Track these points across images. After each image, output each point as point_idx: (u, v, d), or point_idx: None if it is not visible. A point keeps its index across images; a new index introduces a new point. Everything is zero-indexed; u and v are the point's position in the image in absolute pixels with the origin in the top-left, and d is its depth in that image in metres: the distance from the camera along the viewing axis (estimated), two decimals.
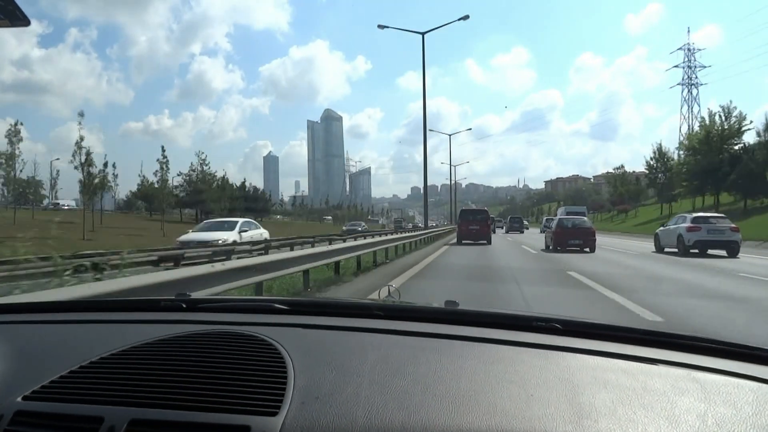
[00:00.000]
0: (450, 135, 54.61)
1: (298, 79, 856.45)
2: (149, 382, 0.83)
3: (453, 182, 63.63)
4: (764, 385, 0.84)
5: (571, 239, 17.12)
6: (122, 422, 0.74)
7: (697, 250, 15.37)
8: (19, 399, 0.82)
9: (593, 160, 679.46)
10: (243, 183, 76.73)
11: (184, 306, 1.25)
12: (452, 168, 57.68)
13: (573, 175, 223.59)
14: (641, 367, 0.89)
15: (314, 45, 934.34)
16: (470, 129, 72.71)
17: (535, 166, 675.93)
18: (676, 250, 15.94)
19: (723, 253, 15.27)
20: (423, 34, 27.58)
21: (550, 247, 17.91)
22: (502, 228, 48.18)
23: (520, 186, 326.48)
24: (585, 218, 20.44)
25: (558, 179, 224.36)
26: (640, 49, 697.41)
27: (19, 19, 1.25)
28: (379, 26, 27.92)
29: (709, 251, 15.43)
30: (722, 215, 17.72)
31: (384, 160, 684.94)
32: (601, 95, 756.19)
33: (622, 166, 76.09)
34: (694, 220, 15.85)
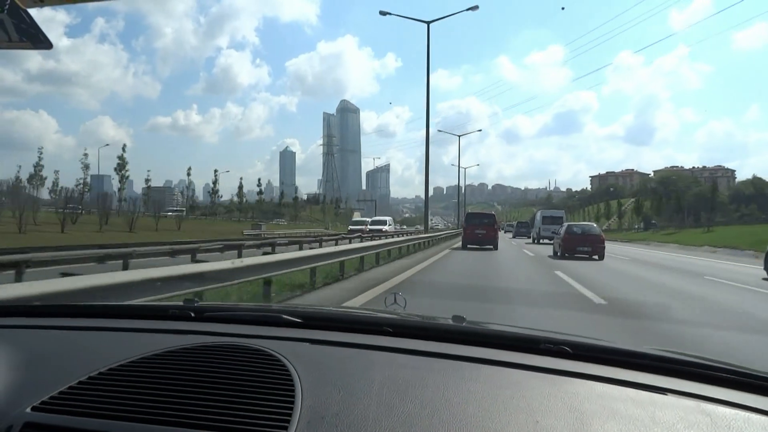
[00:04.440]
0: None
1: (325, 75, 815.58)
2: (157, 397, 0.86)
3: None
4: None
5: (580, 246, 18.17)
6: None
7: None
8: (28, 410, 0.85)
9: (626, 164, 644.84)
10: None
11: (193, 315, 1.32)
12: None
13: (627, 170, 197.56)
14: (651, 396, 0.90)
15: (343, 40, 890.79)
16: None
17: (565, 169, 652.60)
18: None
19: None
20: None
21: (558, 254, 18.84)
22: (511, 232, 50.23)
23: (551, 188, 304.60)
24: (594, 225, 20.94)
25: (609, 174, 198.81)
26: (682, 49, 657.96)
27: (41, 42, 1.37)
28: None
29: None
30: None
31: (411, 162, 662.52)
32: (638, 97, 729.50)
33: None
34: None
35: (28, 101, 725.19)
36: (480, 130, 72.56)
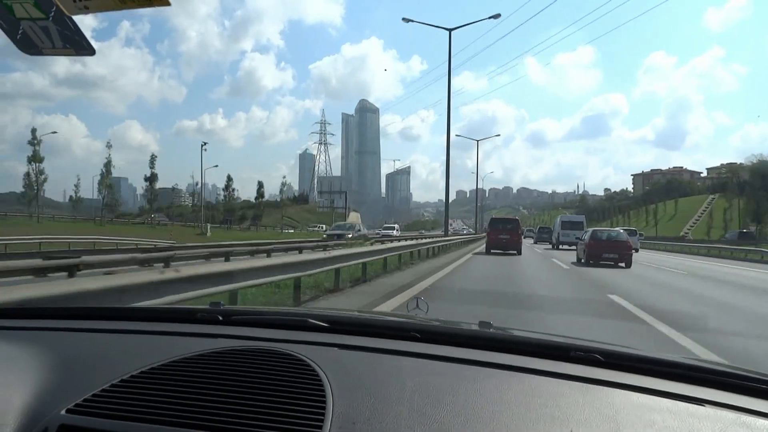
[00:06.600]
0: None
1: (349, 78, 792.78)
2: (189, 401, 0.88)
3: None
4: None
5: (606, 252, 17.62)
6: None
7: None
8: (63, 412, 0.87)
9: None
10: None
11: (221, 318, 1.34)
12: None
13: (675, 167, 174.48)
14: (688, 407, 0.89)
15: (368, 42, 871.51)
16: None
17: (593, 174, 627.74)
18: None
19: None
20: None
21: (582, 260, 18.30)
22: (531, 238, 50.39)
23: (579, 192, 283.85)
24: (620, 230, 20.83)
25: (654, 171, 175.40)
26: (717, 50, 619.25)
27: (85, 49, 1.39)
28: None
29: None
30: None
31: (436, 166, 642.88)
32: (670, 99, 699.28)
33: None
34: None
35: (57, 105, 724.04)
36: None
